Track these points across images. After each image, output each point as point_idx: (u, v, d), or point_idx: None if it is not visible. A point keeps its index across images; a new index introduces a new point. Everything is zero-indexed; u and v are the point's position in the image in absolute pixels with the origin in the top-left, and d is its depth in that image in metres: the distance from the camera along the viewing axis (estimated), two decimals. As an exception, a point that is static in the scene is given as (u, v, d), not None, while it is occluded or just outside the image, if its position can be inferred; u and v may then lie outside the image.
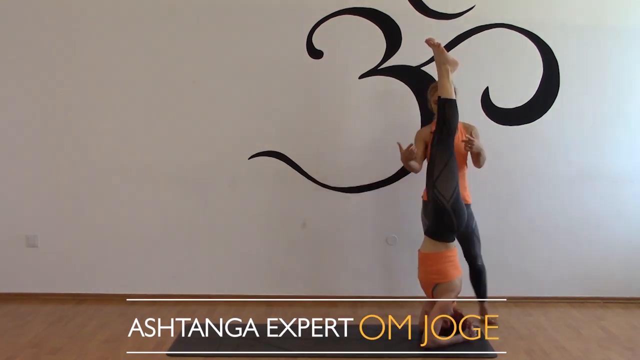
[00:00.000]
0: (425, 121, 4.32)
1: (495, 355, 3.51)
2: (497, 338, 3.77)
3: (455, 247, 3.68)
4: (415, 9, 4.27)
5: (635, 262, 4.47)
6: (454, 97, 3.62)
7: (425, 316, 3.73)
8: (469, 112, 4.20)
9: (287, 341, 3.68)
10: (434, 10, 4.27)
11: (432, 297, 3.63)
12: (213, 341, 3.67)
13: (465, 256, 3.99)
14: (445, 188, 3.57)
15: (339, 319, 4.10)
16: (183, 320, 4.04)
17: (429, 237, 3.66)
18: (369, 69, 4.32)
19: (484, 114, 4.32)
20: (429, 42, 3.65)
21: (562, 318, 4.16)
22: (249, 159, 4.40)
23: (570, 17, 4.29)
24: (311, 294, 4.49)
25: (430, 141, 3.77)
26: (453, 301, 3.61)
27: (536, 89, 4.34)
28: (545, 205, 4.41)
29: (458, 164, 3.77)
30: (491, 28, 4.29)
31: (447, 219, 3.56)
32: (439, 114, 3.67)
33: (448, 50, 4.25)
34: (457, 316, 3.65)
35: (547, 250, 4.45)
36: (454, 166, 3.63)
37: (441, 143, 3.63)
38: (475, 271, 4.01)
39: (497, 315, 4.04)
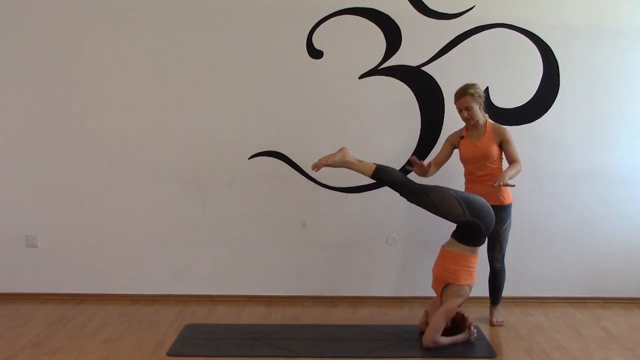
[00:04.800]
0: (424, 121, 4.33)
1: (495, 355, 3.50)
2: (497, 338, 3.77)
3: (479, 255, 3.65)
4: (415, 9, 4.27)
5: (635, 262, 4.47)
6: (374, 168, 3.58)
7: (427, 316, 3.74)
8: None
9: (287, 341, 3.68)
10: (434, 10, 4.27)
11: (441, 296, 3.63)
12: (213, 341, 3.67)
13: (488, 257, 4.00)
14: (452, 209, 3.50)
15: (339, 319, 4.11)
16: (183, 320, 4.04)
17: (456, 240, 3.61)
18: (369, 69, 4.32)
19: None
20: (315, 169, 3.64)
21: (562, 318, 4.16)
22: (249, 159, 4.40)
23: (570, 17, 4.29)
24: (311, 294, 4.49)
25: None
26: (459, 305, 3.59)
27: (536, 89, 4.34)
28: (545, 205, 4.41)
29: (482, 169, 3.83)
30: (491, 28, 4.29)
31: (475, 227, 3.52)
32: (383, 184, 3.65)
33: (448, 51, 4.28)
34: (458, 316, 3.65)
35: (547, 250, 4.45)
36: (436, 189, 3.58)
37: (411, 195, 3.59)
38: (491, 273, 4.01)
39: (502, 319, 4.05)
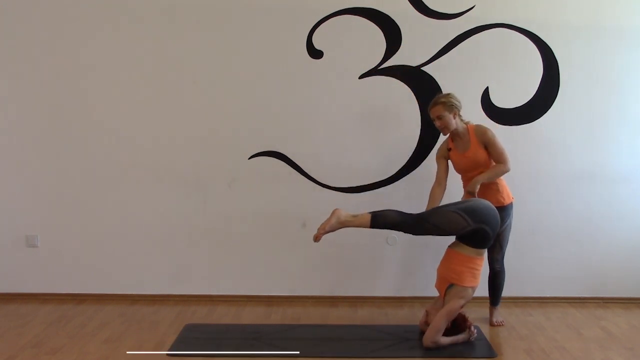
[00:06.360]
0: (424, 121, 4.32)
1: (495, 355, 3.50)
2: (497, 338, 3.77)
3: (484, 257, 3.64)
4: (415, 9, 4.27)
5: (635, 262, 4.47)
6: (369, 219, 3.52)
7: (427, 316, 3.74)
8: (469, 112, 4.20)
9: (287, 341, 3.68)
10: (434, 10, 4.27)
11: (444, 296, 3.62)
12: (213, 341, 3.67)
13: (487, 257, 3.97)
14: (456, 225, 3.49)
15: (339, 319, 4.11)
16: (183, 320, 4.04)
17: (462, 242, 3.59)
18: (369, 69, 4.32)
19: (484, 114, 4.32)
20: (316, 240, 3.60)
21: (562, 318, 4.16)
22: (249, 159, 4.40)
23: (570, 17, 4.29)
24: (311, 294, 4.49)
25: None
26: (461, 306, 3.59)
27: (536, 89, 4.34)
28: (545, 205, 4.41)
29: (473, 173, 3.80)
30: (491, 28, 4.29)
31: (481, 232, 3.51)
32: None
33: (448, 51, 4.28)
34: (459, 317, 3.64)
35: (547, 250, 4.45)
36: (434, 211, 3.59)
37: (413, 228, 3.56)
38: (491, 273, 4.00)
39: (502, 319, 4.05)
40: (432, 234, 3.59)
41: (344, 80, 4.33)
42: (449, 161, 3.95)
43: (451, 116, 3.77)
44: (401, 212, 3.61)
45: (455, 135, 3.86)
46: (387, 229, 3.60)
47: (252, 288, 4.49)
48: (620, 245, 4.46)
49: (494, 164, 3.81)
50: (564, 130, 4.37)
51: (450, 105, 3.76)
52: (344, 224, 3.57)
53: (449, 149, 3.91)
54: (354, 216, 3.58)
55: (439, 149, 4.01)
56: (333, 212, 3.58)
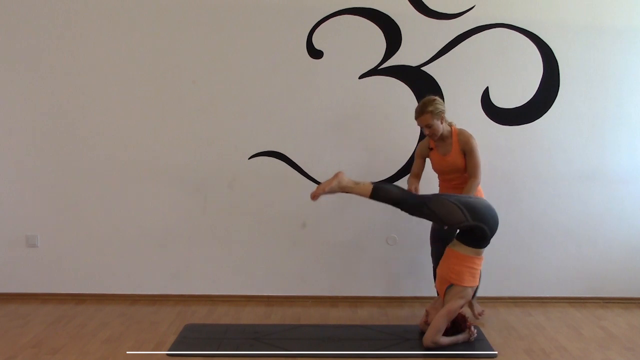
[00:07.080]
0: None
1: (495, 355, 3.50)
2: (497, 338, 3.77)
3: (483, 257, 3.64)
4: (415, 9, 4.27)
5: (635, 262, 4.47)
6: (371, 189, 3.52)
7: (427, 316, 3.74)
8: (469, 112, 4.21)
9: (287, 341, 3.68)
10: (434, 10, 4.27)
11: (444, 296, 3.62)
12: (213, 341, 3.67)
13: None
14: (454, 216, 3.48)
15: (339, 319, 4.11)
16: (183, 320, 4.04)
17: (460, 242, 3.59)
18: (369, 69, 4.32)
19: (484, 114, 4.32)
20: (313, 199, 3.61)
21: (562, 318, 4.16)
22: (249, 159, 4.40)
23: (570, 17, 4.29)
24: (311, 294, 4.49)
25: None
26: (460, 306, 3.59)
27: (536, 89, 4.34)
28: (545, 205, 4.41)
29: (455, 179, 3.81)
30: (491, 28, 4.29)
31: (479, 230, 3.51)
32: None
33: (448, 51, 4.28)
34: (459, 317, 3.64)
35: (547, 250, 4.45)
36: (435, 198, 3.58)
37: (412, 209, 3.56)
38: None
39: (483, 310, 4.05)
40: (429, 219, 3.60)
41: (344, 80, 4.33)
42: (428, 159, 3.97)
43: (439, 122, 3.76)
44: (403, 189, 3.62)
45: (438, 137, 3.84)
46: (386, 203, 3.58)
47: (252, 288, 4.49)
48: (620, 245, 4.45)
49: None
50: (564, 130, 4.37)
51: (438, 112, 3.74)
52: (345, 189, 3.55)
53: (430, 149, 3.90)
54: (356, 183, 3.56)
55: (419, 146, 4.01)
56: (336, 175, 3.56)
